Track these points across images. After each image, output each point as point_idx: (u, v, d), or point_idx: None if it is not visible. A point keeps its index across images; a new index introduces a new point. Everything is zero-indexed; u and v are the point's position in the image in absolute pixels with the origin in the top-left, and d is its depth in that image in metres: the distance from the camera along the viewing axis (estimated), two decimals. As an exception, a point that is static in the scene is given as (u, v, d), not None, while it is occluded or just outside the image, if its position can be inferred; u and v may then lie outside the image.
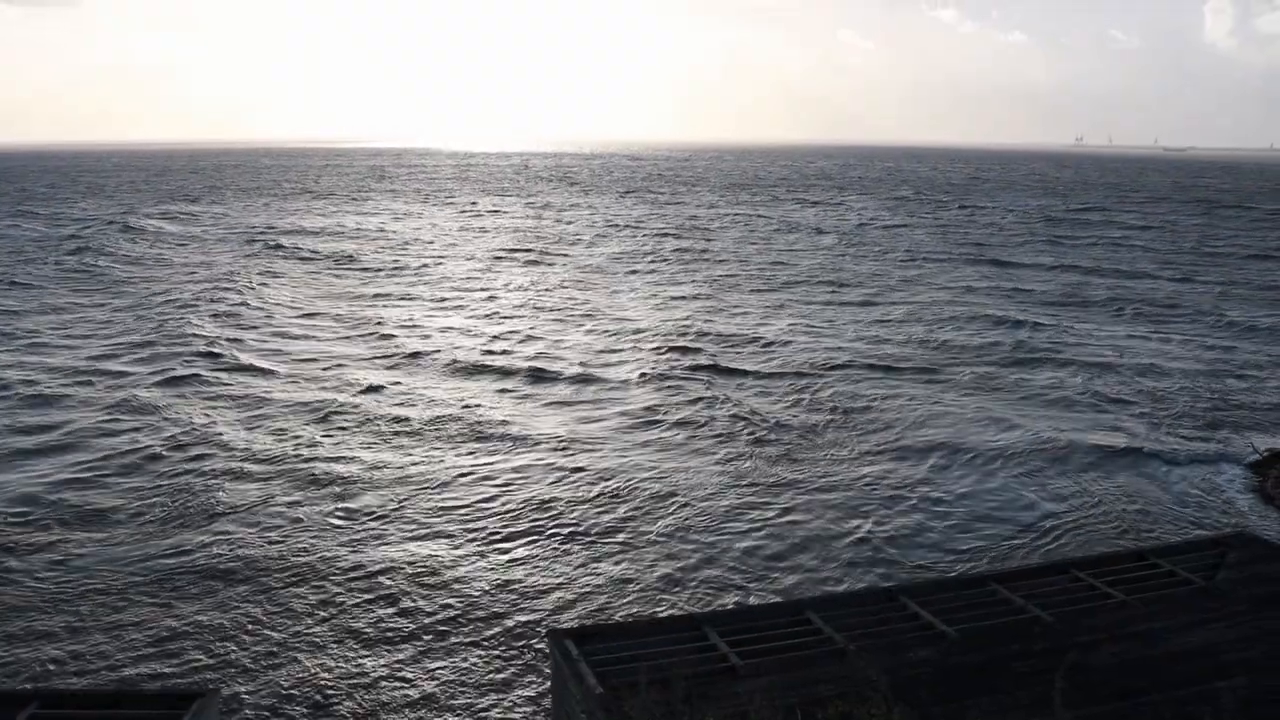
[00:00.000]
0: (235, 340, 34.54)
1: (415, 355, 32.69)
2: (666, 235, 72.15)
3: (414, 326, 37.86)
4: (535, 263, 57.71)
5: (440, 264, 56.70)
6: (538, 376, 29.84)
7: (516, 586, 16.04)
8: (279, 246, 63.41)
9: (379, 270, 53.58)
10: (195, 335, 34.77)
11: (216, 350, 32.55)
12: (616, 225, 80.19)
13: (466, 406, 26.52)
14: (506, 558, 17.14)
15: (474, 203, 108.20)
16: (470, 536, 18.04)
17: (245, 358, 31.76)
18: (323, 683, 13.21)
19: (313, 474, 21.08)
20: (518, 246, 65.34)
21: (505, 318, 40.18)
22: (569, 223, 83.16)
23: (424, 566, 16.72)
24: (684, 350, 33.06)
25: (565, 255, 60.58)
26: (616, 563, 16.90)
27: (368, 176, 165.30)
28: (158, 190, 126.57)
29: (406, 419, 25.18)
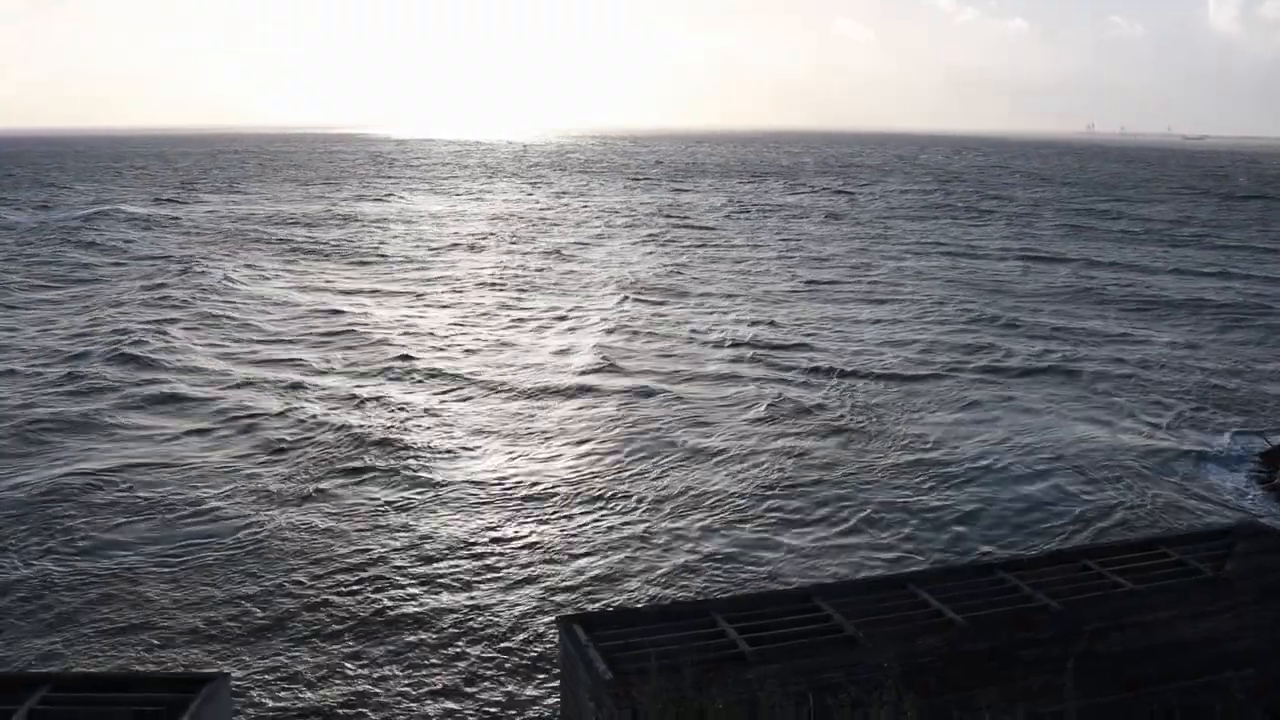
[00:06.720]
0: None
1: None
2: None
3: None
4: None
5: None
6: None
7: (525, 571, 16.09)
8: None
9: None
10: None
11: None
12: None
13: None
14: (513, 544, 17.18)
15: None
16: (474, 522, 18.09)
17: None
18: (327, 664, 13.28)
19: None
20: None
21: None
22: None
23: (430, 549, 16.78)
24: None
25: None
26: (626, 549, 16.95)
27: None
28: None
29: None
